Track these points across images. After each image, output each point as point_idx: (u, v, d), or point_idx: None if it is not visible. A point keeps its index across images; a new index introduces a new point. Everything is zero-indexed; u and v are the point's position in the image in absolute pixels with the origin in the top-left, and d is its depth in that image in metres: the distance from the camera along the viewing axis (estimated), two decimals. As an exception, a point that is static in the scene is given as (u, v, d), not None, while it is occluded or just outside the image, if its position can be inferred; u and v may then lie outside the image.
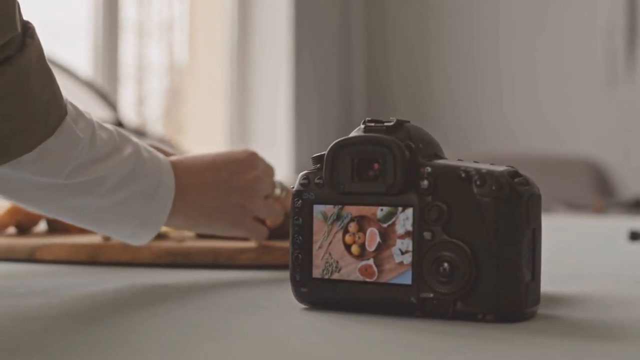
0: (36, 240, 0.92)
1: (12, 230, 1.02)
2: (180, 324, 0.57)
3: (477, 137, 3.89)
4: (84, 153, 0.67)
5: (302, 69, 3.68)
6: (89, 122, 0.68)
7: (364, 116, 4.23)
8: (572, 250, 1.19)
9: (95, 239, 0.91)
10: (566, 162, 3.61)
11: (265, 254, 0.85)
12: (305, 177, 0.63)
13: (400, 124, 0.60)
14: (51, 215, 0.73)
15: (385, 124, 0.61)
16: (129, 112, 3.30)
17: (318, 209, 0.62)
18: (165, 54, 3.59)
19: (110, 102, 2.78)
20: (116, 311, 0.62)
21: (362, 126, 0.61)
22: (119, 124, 2.75)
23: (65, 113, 0.65)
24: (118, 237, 0.76)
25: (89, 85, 2.74)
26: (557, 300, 0.68)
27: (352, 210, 0.61)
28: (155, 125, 3.51)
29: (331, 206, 0.61)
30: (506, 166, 0.59)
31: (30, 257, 0.90)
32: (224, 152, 0.82)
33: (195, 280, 0.78)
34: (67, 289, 0.72)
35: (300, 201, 0.62)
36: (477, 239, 0.57)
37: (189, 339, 0.52)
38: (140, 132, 2.93)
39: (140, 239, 0.76)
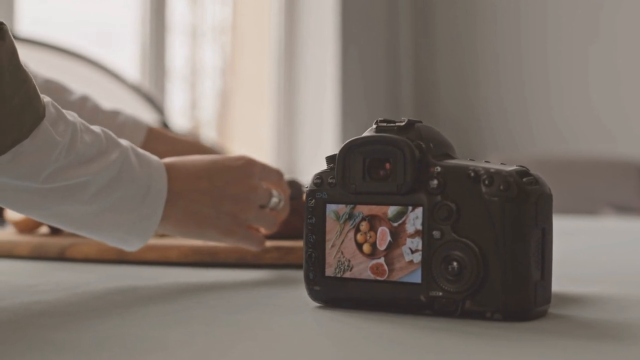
0: (67, 239, 0.94)
1: (45, 229, 1.04)
2: (189, 321, 0.58)
3: (525, 139, 3.86)
4: (62, 157, 0.66)
5: (349, 70, 3.68)
6: (70, 125, 0.67)
7: (411, 116, 4.21)
8: (606, 252, 1.18)
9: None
10: (616, 164, 3.57)
11: (289, 253, 0.86)
12: (319, 176, 0.63)
13: (411, 124, 0.61)
14: (42, 221, 0.72)
15: (397, 124, 0.61)
16: (180, 116, 3.33)
17: (331, 208, 0.63)
18: (217, 57, 3.61)
19: (157, 105, 2.81)
20: (133, 308, 0.63)
21: (374, 126, 0.62)
22: (165, 127, 2.78)
23: (43, 116, 0.64)
24: (109, 243, 0.75)
25: (136, 89, 2.77)
26: (572, 300, 0.67)
27: (364, 209, 0.61)
28: (208, 129, 3.54)
29: (343, 205, 0.62)
30: (517, 166, 0.59)
31: (61, 256, 0.92)
32: (220, 159, 0.81)
33: (217, 278, 0.79)
34: (90, 287, 0.73)
35: (313, 200, 0.63)
36: (486, 238, 0.57)
37: (195, 336, 0.53)
38: (193, 137, 2.95)
39: (131, 246, 0.76)
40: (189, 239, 0.81)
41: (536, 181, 0.58)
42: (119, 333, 0.54)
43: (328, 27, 3.63)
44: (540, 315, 0.59)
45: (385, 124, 0.62)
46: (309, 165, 3.60)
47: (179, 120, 3.27)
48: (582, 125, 3.77)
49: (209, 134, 3.47)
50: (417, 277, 0.59)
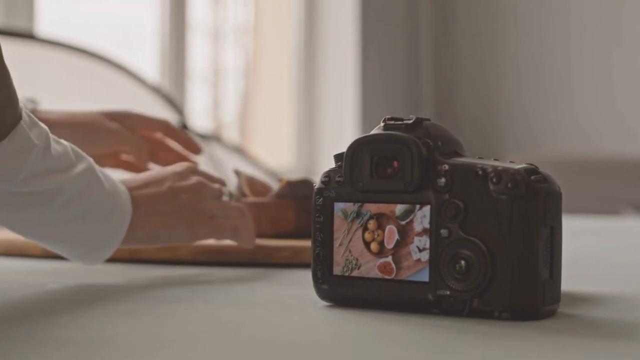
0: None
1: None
2: (194, 319, 0.58)
3: (546, 138, 3.84)
4: (38, 160, 0.65)
5: (369, 69, 3.68)
6: (43, 131, 0.67)
7: (432, 116, 4.20)
8: (622, 252, 1.17)
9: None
10: (638, 164, 3.55)
11: (301, 252, 0.86)
12: (327, 175, 0.63)
13: (419, 121, 0.61)
14: (4, 226, 0.71)
15: (405, 121, 0.61)
16: (202, 117, 3.34)
17: (338, 206, 0.62)
18: (239, 57, 3.62)
19: (176, 106, 2.82)
20: (138, 307, 0.63)
21: (382, 124, 0.62)
22: (185, 127, 2.79)
23: (20, 117, 0.64)
24: (70, 256, 0.75)
25: (156, 90, 2.78)
26: (582, 299, 0.67)
27: (372, 207, 0.61)
28: (230, 130, 3.54)
29: (351, 204, 0.62)
30: (526, 164, 0.59)
31: (74, 255, 0.92)
32: (162, 168, 0.83)
33: (227, 277, 0.79)
34: (98, 285, 0.73)
35: (321, 199, 0.63)
36: (493, 236, 0.57)
37: (199, 334, 0.53)
38: (215, 138, 2.96)
39: (94, 259, 0.75)
40: (160, 244, 0.80)
41: (545, 179, 0.58)
42: (123, 331, 0.54)
43: (348, 26, 3.63)
44: (549, 314, 0.58)
45: (393, 122, 0.61)
46: (329, 165, 3.59)
47: (201, 121, 3.28)
48: (604, 125, 3.74)
49: (231, 135, 3.47)
50: (424, 276, 0.59)
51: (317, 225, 0.63)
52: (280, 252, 0.86)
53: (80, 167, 0.70)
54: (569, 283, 0.73)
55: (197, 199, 0.80)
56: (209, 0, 3.44)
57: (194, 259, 0.88)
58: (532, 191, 0.57)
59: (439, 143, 0.60)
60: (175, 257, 0.89)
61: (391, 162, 0.60)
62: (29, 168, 0.65)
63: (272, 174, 2.89)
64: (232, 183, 0.97)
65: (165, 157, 0.96)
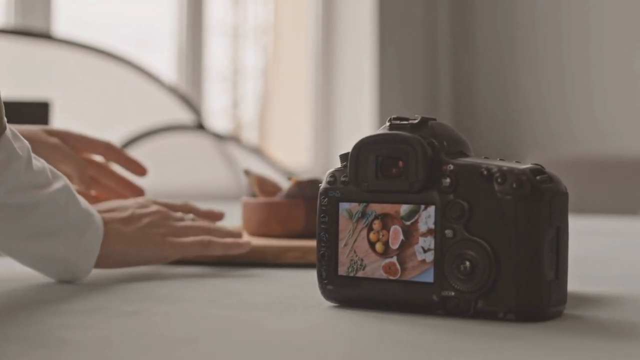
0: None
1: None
2: (199, 320, 0.58)
3: (565, 138, 3.82)
4: (21, 172, 0.66)
5: (387, 70, 3.68)
6: (25, 145, 0.67)
7: (450, 117, 4.18)
8: (634, 252, 1.16)
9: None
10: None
11: (310, 252, 0.86)
12: (332, 175, 0.63)
13: (424, 121, 0.60)
14: None
15: (410, 121, 0.61)
16: (221, 118, 3.34)
17: (343, 206, 0.62)
18: (258, 57, 3.62)
19: (193, 106, 2.83)
20: (144, 307, 0.63)
21: (388, 124, 0.61)
22: (201, 127, 2.80)
23: (5, 128, 0.64)
24: (45, 273, 0.74)
25: (173, 90, 2.79)
26: (590, 300, 0.66)
27: (377, 208, 0.61)
28: (249, 131, 3.54)
29: (356, 204, 0.61)
30: (532, 164, 0.58)
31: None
32: (121, 200, 0.86)
33: (236, 278, 0.79)
34: (107, 286, 0.73)
35: (326, 199, 0.63)
36: (498, 237, 0.57)
37: (202, 334, 0.52)
38: (233, 139, 2.96)
39: (68, 277, 0.74)
40: (132, 264, 0.80)
41: (550, 179, 0.57)
42: (125, 331, 0.54)
43: (365, 26, 3.62)
44: (555, 315, 0.58)
45: (398, 122, 0.61)
46: (346, 166, 3.58)
47: (220, 121, 3.29)
48: (623, 125, 3.72)
49: (250, 136, 3.48)
50: (429, 277, 0.59)
51: (322, 226, 0.63)
52: (289, 252, 0.86)
53: (57, 185, 0.70)
54: (578, 284, 0.72)
55: (161, 217, 0.82)
56: (229, 0, 3.44)
57: (203, 259, 0.88)
58: (537, 191, 0.56)
59: (445, 143, 0.60)
60: (186, 257, 0.89)
61: (396, 162, 0.60)
62: (13, 179, 0.65)
63: (289, 174, 2.89)
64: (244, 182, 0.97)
65: (107, 184, 0.94)
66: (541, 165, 0.58)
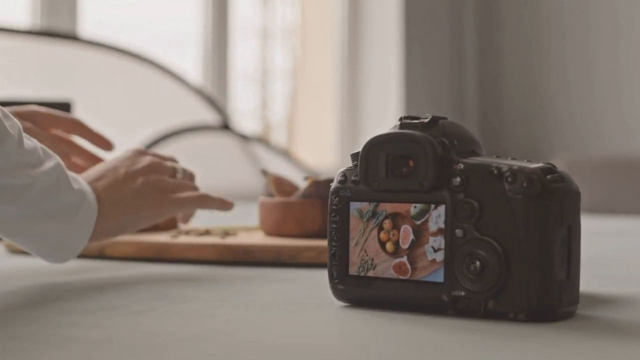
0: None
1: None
2: (207, 318, 0.58)
3: (594, 138, 3.79)
4: (13, 151, 0.65)
5: (413, 70, 3.67)
6: (16, 124, 0.67)
7: (477, 117, 4.16)
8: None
9: (162, 238, 0.93)
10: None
11: (325, 252, 0.85)
12: (343, 174, 0.63)
13: (435, 120, 0.60)
14: None
15: (421, 120, 0.60)
16: (249, 119, 3.35)
17: (354, 206, 0.62)
18: (287, 58, 3.62)
19: (219, 107, 2.83)
20: (153, 306, 0.63)
21: (398, 123, 0.61)
22: (226, 127, 2.80)
23: None
24: (37, 254, 0.74)
25: (198, 91, 2.80)
26: (604, 300, 0.66)
27: (387, 207, 0.60)
28: (277, 131, 3.55)
29: (367, 203, 0.61)
30: (543, 163, 0.58)
31: (101, 254, 0.92)
32: (110, 158, 0.84)
33: (248, 277, 0.79)
34: (118, 284, 0.74)
35: (337, 198, 0.63)
36: (508, 236, 0.56)
37: (209, 333, 0.52)
38: (259, 140, 2.97)
39: (61, 257, 0.74)
40: (129, 231, 0.81)
41: (562, 178, 0.57)
42: (132, 330, 0.54)
43: (391, 27, 3.62)
44: (567, 316, 0.57)
45: (409, 121, 0.61)
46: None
47: (249, 122, 3.29)
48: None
49: (278, 137, 3.48)
50: (439, 277, 0.58)
51: (333, 225, 0.63)
52: (304, 252, 0.86)
53: (49, 164, 0.69)
54: (595, 284, 0.72)
55: (155, 177, 0.81)
56: (258, 1, 3.45)
57: (219, 259, 0.88)
58: (548, 191, 0.56)
59: (455, 142, 0.59)
60: (201, 256, 0.89)
61: (406, 161, 0.60)
62: (4, 158, 0.65)
63: (312, 173, 2.88)
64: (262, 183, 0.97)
65: (76, 161, 0.93)
66: (553, 165, 0.58)
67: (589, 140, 3.79)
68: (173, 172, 0.84)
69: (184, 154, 2.63)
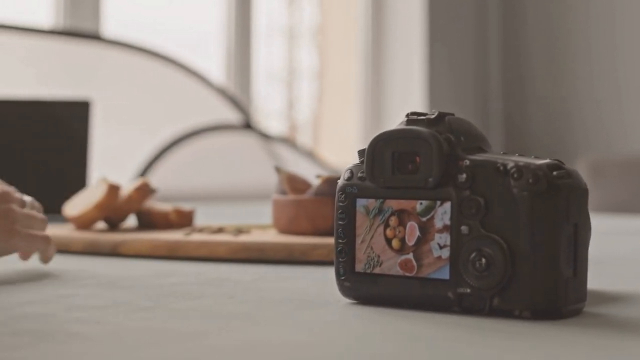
0: (119, 235, 0.95)
1: (101, 225, 1.06)
2: (213, 315, 0.58)
3: (619, 138, 3.77)
4: None
5: (437, 69, 3.66)
6: None
7: (500, 118, 4.14)
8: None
9: (175, 236, 0.94)
10: None
11: (337, 250, 0.85)
12: (350, 171, 0.63)
13: (442, 116, 0.60)
14: None
15: (427, 116, 0.60)
16: (275, 119, 3.36)
17: (361, 202, 0.62)
18: (313, 58, 3.63)
19: (241, 107, 2.84)
20: (161, 302, 0.63)
21: (405, 119, 0.61)
22: (248, 126, 2.80)
23: None
24: None
25: (221, 91, 2.80)
26: (614, 298, 0.65)
27: (393, 204, 0.60)
28: (303, 132, 3.55)
29: (373, 200, 0.61)
30: (550, 159, 0.57)
31: (114, 252, 0.93)
32: None
33: (260, 274, 0.79)
34: (128, 281, 0.74)
35: (343, 195, 0.62)
36: (514, 233, 0.56)
37: (211, 328, 0.52)
38: (280, 138, 2.97)
39: None
40: None
41: (568, 175, 0.56)
42: (137, 326, 0.54)
43: (415, 26, 3.61)
44: (573, 313, 0.57)
45: (415, 117, 0.60)
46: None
47: (275, 122, 3.30)
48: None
49: (303, 137, 3.48)
50: (445, 274, 0.58)
51: (340, 222, 0.62)
52: (316, 250, 0.86)
53: None
54: (604, 282, 0.71)
55: (6, 207, 0.76)
56: (284, 1, 3.46)
57: (231, 257, 0.88)
58: (554, 187, 0.55)
59: (462, 138, 0.59)
60: (214, 254, 0.89)
61: (412, 157, 0.59)
62: None
63: (333, 171, 2.88)
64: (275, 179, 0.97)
65: None
66: (560, 161, 0.57)
67: (615, 140, 3.77)
68: (23, 203, 0.80)
69: (205, 152, 2.64)
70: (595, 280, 0.74)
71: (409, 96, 3.64)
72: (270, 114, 3.37)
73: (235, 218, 1.11)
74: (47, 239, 0.78)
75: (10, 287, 0.70)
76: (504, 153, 0.59)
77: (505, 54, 4.01)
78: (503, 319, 0.55)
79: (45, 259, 0.80)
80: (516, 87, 4.00)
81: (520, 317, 0.55)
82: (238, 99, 2.89)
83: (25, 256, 0.81)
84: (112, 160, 2.30)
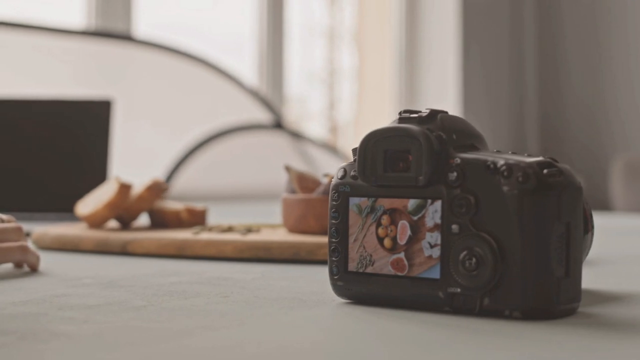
0: (129, 234, 0.95)
1: (112, 223, 1.07)
2: (205, 314, 0.57)
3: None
4: None
5: (471, 69, 3.63)
6: None
7: (536, 118, 4.11)
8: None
9: (183, 234, 0.94)
10: None
11: (344, 249, 0.85)
12: (343, 169, 0.62)
13: (434, 114, 0.59)
14: None
15: (419, 114, 0.59)
16: (316, 120, 3.36)
17: (353, 201, 0.61)
18: (353, 59, 3.62)
19: (272, 107, 2.84)
20: (155, 301, 0.63)
21: (397, 117, 0.60)
22: (279, 126, 2.81)
23: None
24: None
25: (252, 91, 2.81)
26: (611, 298, 0.64)
27: (385, 202, 0.59)
28: (344, 133, 3.55)
29: (365, 199, 0.60)
30: (543, 157, 0.56)
31: (123, 250, 0.93)
32: None
33: (262, 273, 0.79)
34: (129, 280, 0.74)
35: (337, 194, 0.62)
36: (504, 232, 0.55)
37: (199, 327, 0.52)
38: (309, 138, 2.97)
39: None
40: None
41: (560, 173, 0.55)
42: (125, 325, 0.53)
43: (449, 26, 3.59)
44: (566, 313, 0.56)
45: (407, 115, 0.60)
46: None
47: (316, 124, 3.30)
48: None
49: (343, 138, 3.48)
50: (435, 273, 0.57)
51: (333, 221, 0.62)
52: (323, 249, 0.86)
53: None
54: (606, 283, 0.70)
55: None
56: (326, 2, 3.46)
57: (239, 256, 0.88)
58: (544, 185, 0.54)
59: (454, 136, 0.58)
60: (221, 253, 0.89)
61: (403, 156, 0.59)
62: None
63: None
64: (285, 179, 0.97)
65: None
66: (553, 158, 0.56)
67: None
68: None
69: (235, 152, 2.65)
70: (595, 281, 0.73)
71: (443, 98, 3.62)
72: (311, 115, 3.37)
73: (252, 217, 1.11)
74: (23, 248, 0.78)
75: (8, 287, 0.71)
76: (497, 151, 0.58)
77: (540, 54, 3.98)
78: (494, 319, 0.54)
79: (32, 266, 0.79)
80: (552, 88, 3.96)
81: (510, 317, 0.55)
82: (269, 100, 2.90)
83: (17, 266, 0.80)
84: (140, 159, 2.31)
